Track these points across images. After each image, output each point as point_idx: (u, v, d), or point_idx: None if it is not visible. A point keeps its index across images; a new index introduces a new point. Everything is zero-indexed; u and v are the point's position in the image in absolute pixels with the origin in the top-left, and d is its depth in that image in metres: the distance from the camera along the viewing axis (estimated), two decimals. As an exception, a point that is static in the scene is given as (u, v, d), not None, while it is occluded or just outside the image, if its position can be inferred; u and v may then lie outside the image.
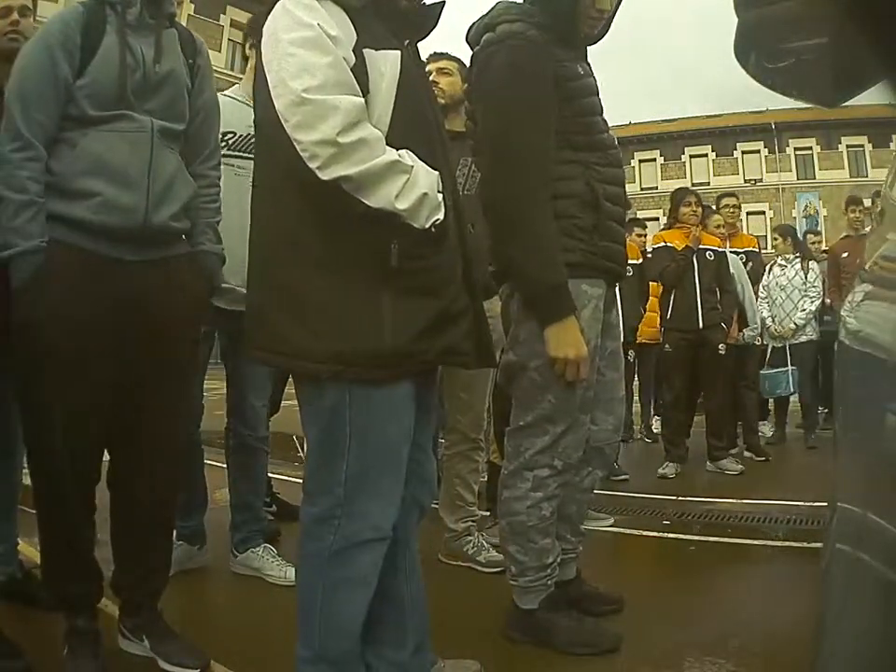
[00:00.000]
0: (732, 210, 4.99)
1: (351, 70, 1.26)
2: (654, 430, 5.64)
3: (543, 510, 1.85)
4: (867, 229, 4.85)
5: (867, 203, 5.19)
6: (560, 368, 1.73)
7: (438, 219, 1.30)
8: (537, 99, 1.74)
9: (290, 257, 1.31)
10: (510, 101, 1.74)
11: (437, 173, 1.32)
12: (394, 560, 1.45)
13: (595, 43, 1.91)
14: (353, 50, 1.27)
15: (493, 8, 1.87)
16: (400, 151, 1.28)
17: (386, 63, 1.31)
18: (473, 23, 1.90)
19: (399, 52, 1.33)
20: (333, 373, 1.28)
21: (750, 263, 4.88)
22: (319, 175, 1.22)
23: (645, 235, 5.64)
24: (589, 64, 1.89)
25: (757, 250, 5.14)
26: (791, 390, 5.16)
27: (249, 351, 1.41)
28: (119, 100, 1.59)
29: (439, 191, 1.31)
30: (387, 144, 1.28)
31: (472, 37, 1.89)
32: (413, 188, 1.26)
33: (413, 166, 1.28)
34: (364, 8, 1.32)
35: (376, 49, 1.30)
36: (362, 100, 1.26)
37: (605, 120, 1.90)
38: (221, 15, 19.99)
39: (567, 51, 1.82)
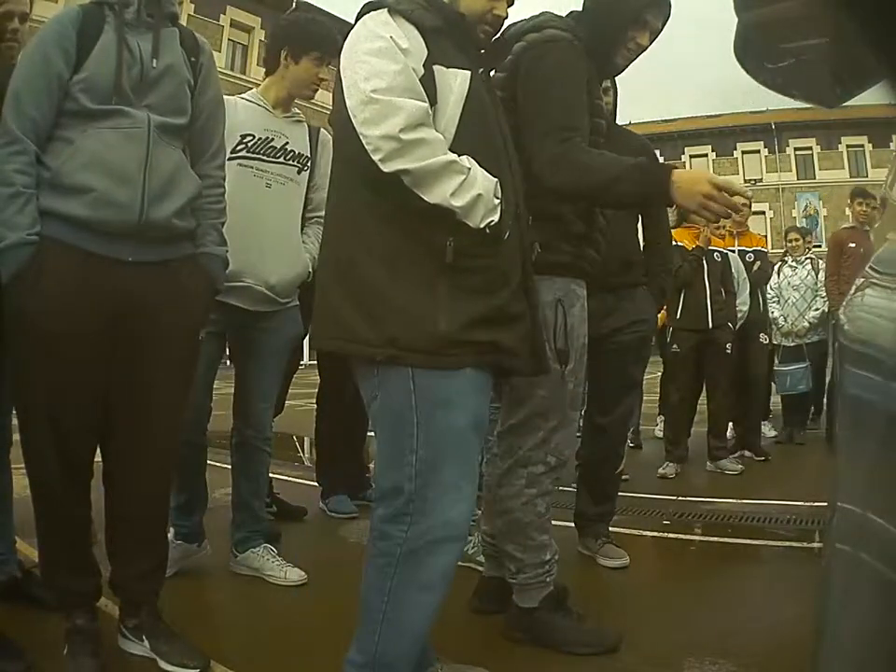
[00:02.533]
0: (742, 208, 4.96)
1: (420, 81, 1.36)
2: (657, 434, 5.59)
3: (538, 506, 1.88)
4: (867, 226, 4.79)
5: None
6: (707, 198, 1.56)
7: (492, 221, 1.36)
8: (580, 95, 1.79)
9: (356, 248, 1.38)
10: (561, 90, 1.77)
11: (496, 179, 1.38)
12: None
13: (619, 73, 2.02)
14: (423, 65, 1.37)
15: (539, 15, 1.93)
16: (461, 156, 1.35)
17: (456, 80, 1.40)
18: (515, 23, 1.92)
19: (468, 73, 1.42)
20: (388, 357, 1.33)
21: (759, 262, 4.82)
22: (381, 167, 1.31)
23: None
24: (614, 86, 1.98)
25: (765, 250, 5.04)
26: (811, 385, 5.17)
27: (314, 341, 1.48)
28: (116, 93, 1.60)
29: (496, 196, 1.37)
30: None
31: (513, 34, 1.89)
32: (470, 188, 1.33)
33: (470, 168, 1.35)
34: (438, 30, 1.42)
35: (447, 67, 1.40)
36: (426, 105, 1.35)
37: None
38: (221, 15, 19.98)
39: (596, 73, 1.89)
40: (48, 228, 1.56)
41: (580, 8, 1.96)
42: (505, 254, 1.42)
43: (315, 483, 3.37)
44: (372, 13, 1.41)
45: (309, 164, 2.47)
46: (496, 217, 1.36)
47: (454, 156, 1.34)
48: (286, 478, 3.80)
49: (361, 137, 1.32)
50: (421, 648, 1.42)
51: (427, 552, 1.34)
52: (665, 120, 29.67)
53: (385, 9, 1.40)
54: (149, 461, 1.73)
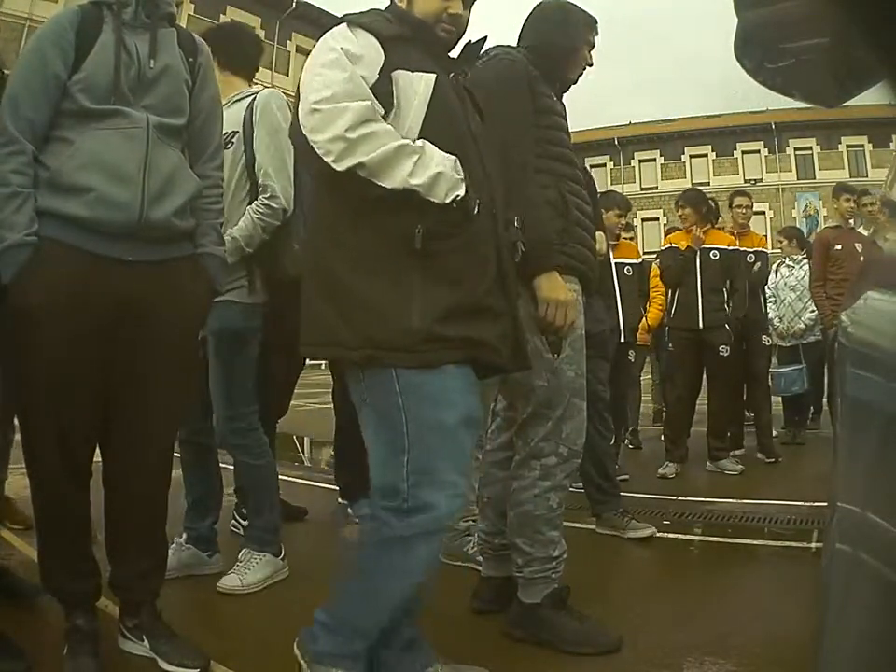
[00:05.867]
0: (744, 211, 4.87)
1: (374, 86, 1.41)
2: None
3: (551, 500, 1.91)
4: (852, 221, 4.72)
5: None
6: (551, 312, 1.78)
7: (458, 195, 1.39)
8: (520, 101, 1.92)
9: (330, 253, 1.43)
10: (501, 100, 1.87)
11: (454, 157, 1.41)
12: None
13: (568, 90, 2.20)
14: (379, 71, 1.43)
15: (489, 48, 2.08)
16: (415, 140, 1.39)
17: (420, 84, 1.45)
18: None
19: (433, 76, 1.47)
20: (365, 357, 1.36)
21: (758, 263, 4.77)
22: (335, 167, 1.36)
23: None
24: (564, 107, 2.10)
25: (766, 251, 4.99)
26: (807, 387, 5.17)
27: (301, 349, 1.49)
28: (114, 94, 1.60)
29: (457, 172, 1.40)
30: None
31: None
32: (427, 166, 1.37)
33: (423, 147, 1.39)
34: (401, 37, 1.48)
35: (411, 71, 1.45)
36: (370, 103, 1.39)
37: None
38: (221, 15, 19.96)
39: (548, 87, 2.02)
40: (47, 228, 1.56)
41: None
42: (476, 244, 1.44)
43: (316, 484, 3.37)
44: (333, 29, 1.48)
45: (234, 139, 2.32)
46: (461, 192, 1.39)
47: (404, 140, 1.38)
48: (286, 478, 3.79)
49: (312, 145, 1.37)
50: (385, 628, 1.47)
51: (418, 541, 1.39)
52: (666, 120, 29.67)
53: (345, 24, 1.46)
54: (148, 461, 1.74)
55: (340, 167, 1.35)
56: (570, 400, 1.93)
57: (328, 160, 1.36)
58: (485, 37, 1.63)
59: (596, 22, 2.13)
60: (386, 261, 1.38)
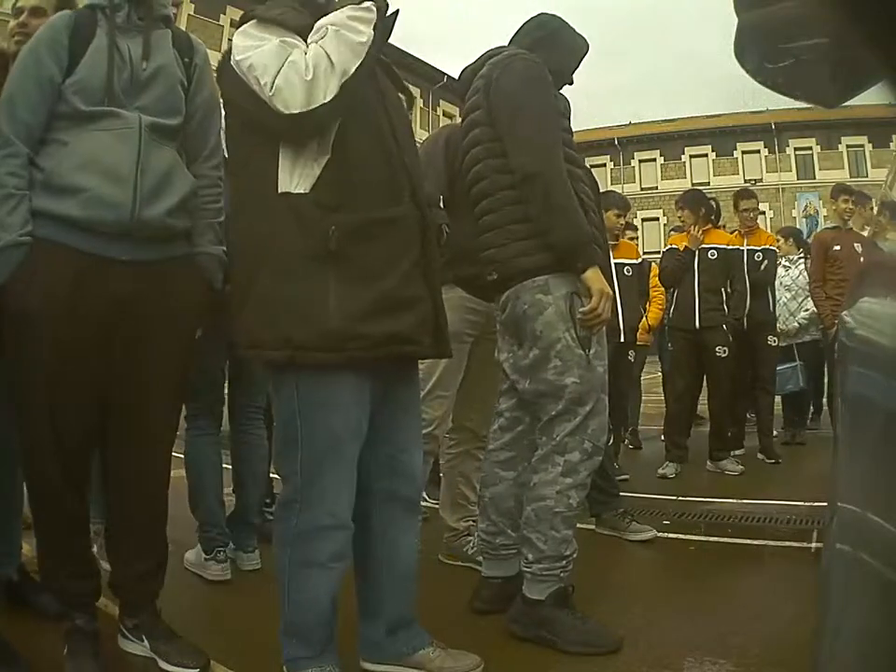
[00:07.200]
0: (751, 213, 4.79)
1: None
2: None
3: (571, 498, 1.91)
4: (850, 222, 4.70)
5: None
6: (602, 304, 1.88)
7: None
8: (548, 99, 1.98)
9: (247, 252, 1.47)
10: (531, 97, 1.95)
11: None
12: (370, 548, 1.56)
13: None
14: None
15: (484, 53, 2.12)
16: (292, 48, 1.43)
17: None
18: (465, 68, 2.16)
19: None
20: (286, 358, 1.39)
21: (766, 262, 4.67)
22: (325, 101, 1.38)
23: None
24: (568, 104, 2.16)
25: (775, 248, 4.90)
26: (802, 385, 5.15)
27: (235, 349, 1.57)
28: (107, 96, 1.61)
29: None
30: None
31: (471, 70, 2.12)
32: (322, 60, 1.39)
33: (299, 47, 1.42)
34: (309, 27, 1.47)
35: None
36: (288, 49, 1.41)
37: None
38: (221, 15, 19.94)
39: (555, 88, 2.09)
40: (43, 229, 1.57)
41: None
42: (393, 235, 1.47)
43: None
44: (244, 27, 1.50)
45: None
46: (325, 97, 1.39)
47: (294, 55, 1.40)
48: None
49: (294, 113, 1.37)
50: (331, 617, 1.51)
51: (316, 536, 1.46)
52: (666, 120, 29.65)
53: (255, 20, 1.49)
54: (147, 461, 1.74)
55: (329, 95, 1.36)
56: (599, 396, 1.95)
57: (319, 101, 1.36)
58: (398, 11, 1.61)
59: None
60: (302, 264, 1.40)
